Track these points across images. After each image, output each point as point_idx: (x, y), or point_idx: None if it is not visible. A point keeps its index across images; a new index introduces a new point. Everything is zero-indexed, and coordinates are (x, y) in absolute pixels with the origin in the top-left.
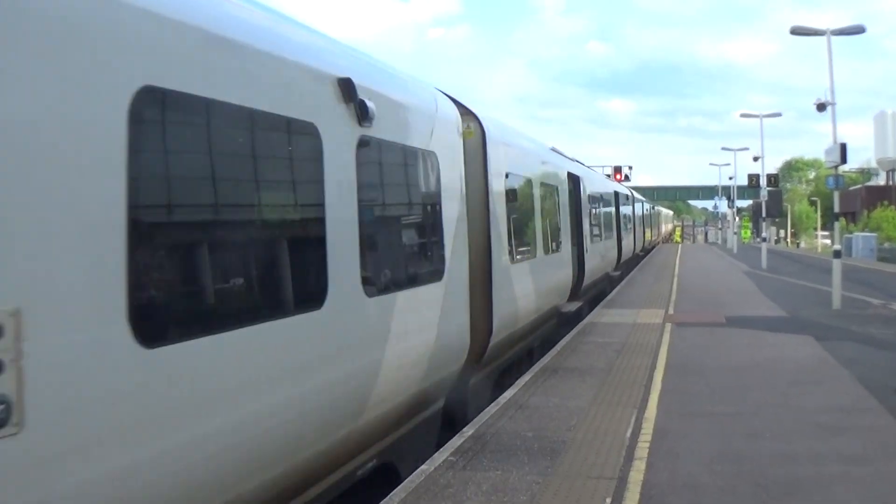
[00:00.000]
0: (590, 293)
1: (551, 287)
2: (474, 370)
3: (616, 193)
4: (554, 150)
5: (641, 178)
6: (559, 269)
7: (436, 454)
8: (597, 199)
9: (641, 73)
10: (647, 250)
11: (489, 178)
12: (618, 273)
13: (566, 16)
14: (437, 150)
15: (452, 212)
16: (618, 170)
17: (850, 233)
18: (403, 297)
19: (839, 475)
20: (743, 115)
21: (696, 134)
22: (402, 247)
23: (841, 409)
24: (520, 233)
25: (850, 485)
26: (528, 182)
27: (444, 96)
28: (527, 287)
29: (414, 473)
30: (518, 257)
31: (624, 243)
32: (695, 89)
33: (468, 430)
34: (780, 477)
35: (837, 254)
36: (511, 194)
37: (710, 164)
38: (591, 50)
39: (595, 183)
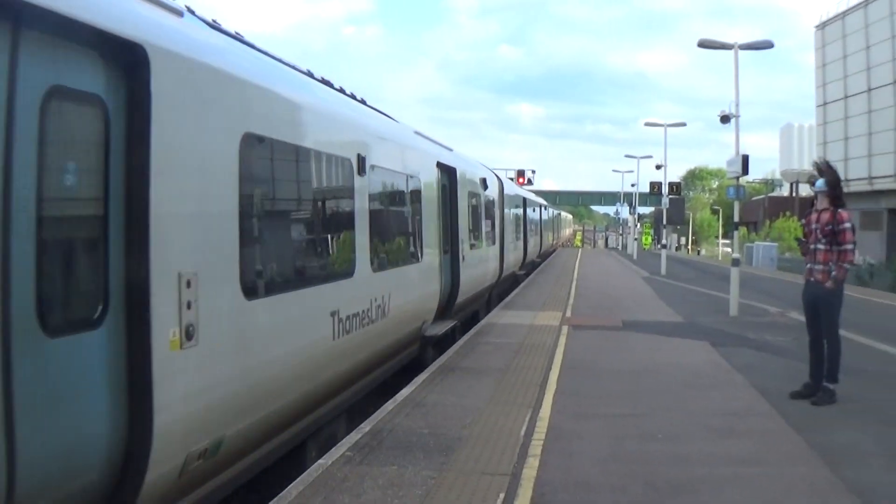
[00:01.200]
0: (470, 309)
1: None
2: None
3: (500, 183)
4: (419, 133)
5: (546, 183)
6: (418, 284)
7: (332, 449)
8: (479, 197)
9: (551, 79)
10: (544, 255)
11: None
12: (523, 273)
13: (479, 19)
14: None
15: None
16: (521, 173)
17: (752, 242)
18: None
19: (730, 476)
20: (647, 124)
21: (603, 141)
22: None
23: (734, 412)
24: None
25: (740, 485)
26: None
27: None
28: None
29: (311, 467)
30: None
31: (513, 252)
32: (603, 97)
33: (365, 426)
34: (672, 477)
35: (736, 262)
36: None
37: (614, 170)
38: (501, 54)
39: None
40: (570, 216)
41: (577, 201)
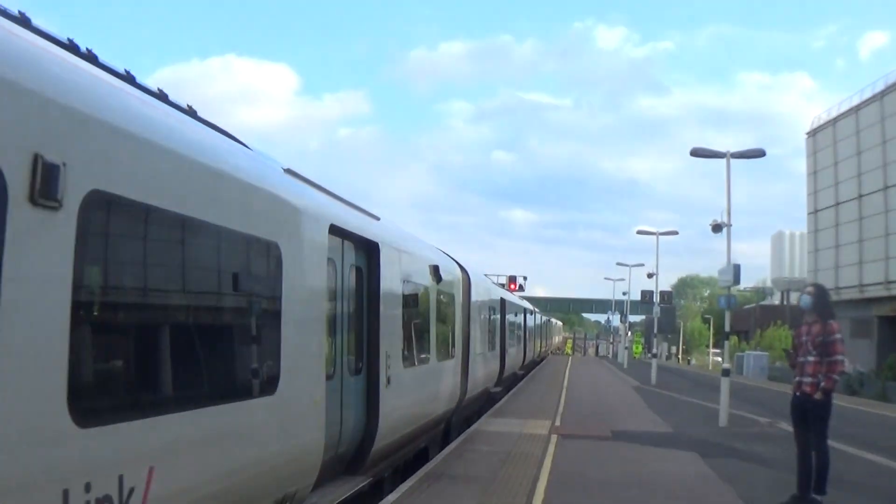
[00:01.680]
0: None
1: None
2: None
3: (467, 276)
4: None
5: (537, 289)
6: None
7: None
8: (426, 292)
9: (544, 185)
10: (535, 362)
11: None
12: (499, 389)
13: (473, 123)
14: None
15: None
16: (513, 279)
17: (743, 351)
18: None
19: None
20: (640, 233)
21: (595, 248)
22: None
23: None
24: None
25: None
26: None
27: None
28: None
29: None
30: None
31: (483, 365)
32: (596, 203)
33: None
34: None
35: (726, 372)
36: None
37: (606, 278)
38: (495, 158)
39: (511, 301)
40: (559, 323)
41: (569, 308)
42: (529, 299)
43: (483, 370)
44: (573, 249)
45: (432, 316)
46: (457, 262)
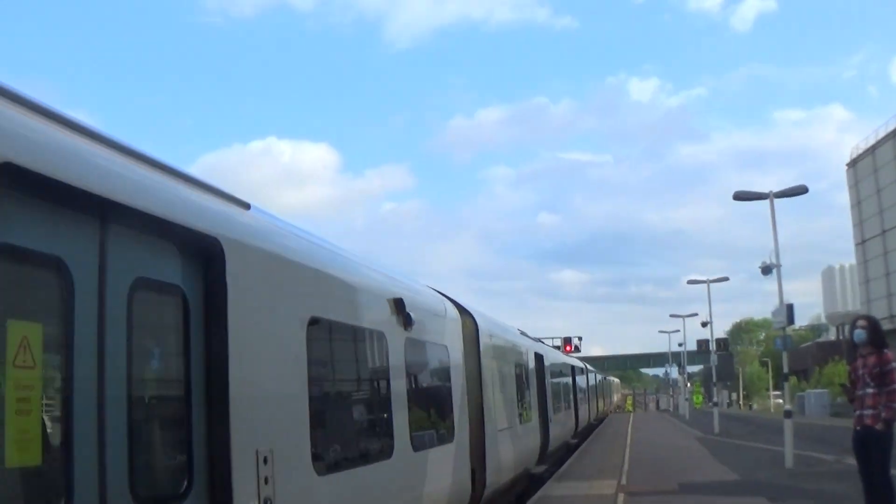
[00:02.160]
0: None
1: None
2: None
3: (572, 367)
4: (522, 333)
5: (593, 349)
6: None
7: None
8: (556, 373)
9: (591, 243)
10: (593, 425)
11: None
12: (543, 468)
13: (515, 188)
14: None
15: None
16: (567, 341)
17: (803, 391)
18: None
19: None
20: (690, 282)
21: (647, 301)
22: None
23: None
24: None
25: None
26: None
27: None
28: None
29: None
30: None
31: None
32: (644, 257)
33: None
34: None
35: (788, 414)
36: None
37: (660, 331)
38: (540, 221)
39: (553, 358)
40: (616, 381)
41: (626, 365)
42: (586, 359)
43: (560, 427)
44: (625, 305)
45: (549, 385)
46: (453, 301)
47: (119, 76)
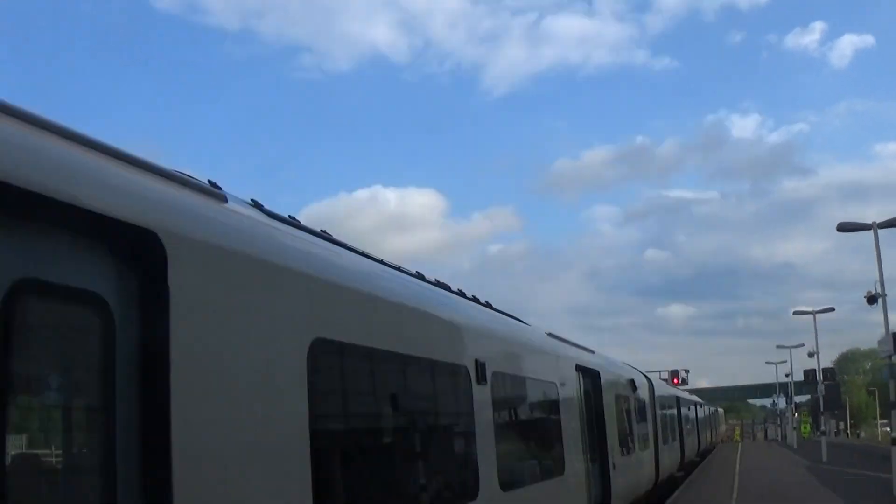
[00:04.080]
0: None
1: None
2: None
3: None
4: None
5: (699, 381)
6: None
7: None
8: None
9: (697, 278)
10: (702, 454)
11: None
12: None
13: (621, 227)
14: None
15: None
16: (675, 374)
17: None
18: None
19: None
20: (796, 313)
21: (753, 334)
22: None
23: None
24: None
25: None
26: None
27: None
28: None
29: None
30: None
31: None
32: (750, 290)
33: None
34: None
35: (895, 441)
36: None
37: (767, 362)
38: (646, 258)
39: (660, 388)
40: (721, 411)
41: (734, 396)
42: (693, 391)
43: (668, 457)
44: (732, 338)
45: (633, 416)
46: (643, 374)
47: (229, 134)
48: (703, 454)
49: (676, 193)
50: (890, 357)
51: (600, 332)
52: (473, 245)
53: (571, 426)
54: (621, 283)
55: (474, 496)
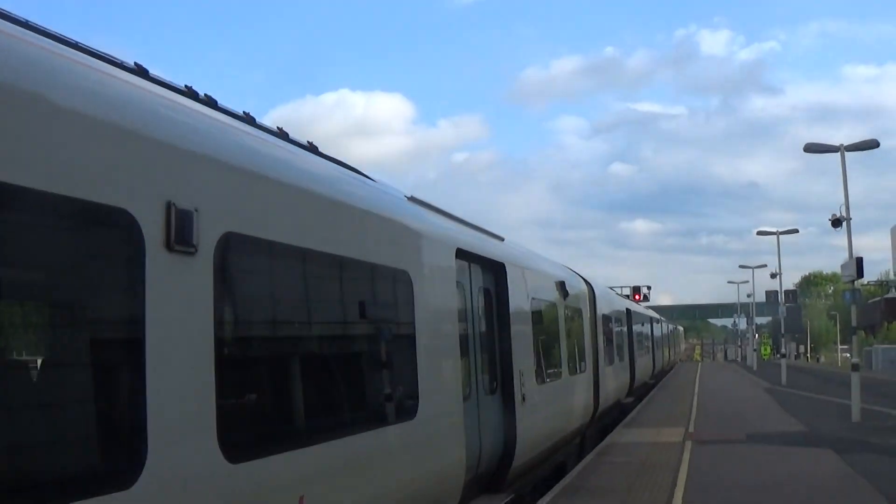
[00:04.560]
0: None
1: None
2: None
3: (651, 318)
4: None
5: (661, 298)
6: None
7: None
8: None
9: (662, 194)
10: (665, 371)
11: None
12: (630, 400)
13: (588, 139)
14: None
15: None
16: (637, 290)
17: (870, 346)
18: None
19: None
20: (760, 233)
21: (717, 252)
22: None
23: None
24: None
25: None
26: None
27: None
28: None
29: None
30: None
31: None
32: (715, 209)
33: None
34: None
35: (855, 367)
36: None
37: (729, 281)
38: (612, 172)
39: (606, 297)
40: (681, 329)
41: (695, 315)
42: (654, 308)
43: (613, 382)
44: (695, 256)
45: (561, 331)
46: (581, 277)
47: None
48: (659, 376)
49: (645, 108)
50: (852, 282)
51: (564, 245)
52: (440, 154)
53: (436, 343)
54: (586, 197)
55: None
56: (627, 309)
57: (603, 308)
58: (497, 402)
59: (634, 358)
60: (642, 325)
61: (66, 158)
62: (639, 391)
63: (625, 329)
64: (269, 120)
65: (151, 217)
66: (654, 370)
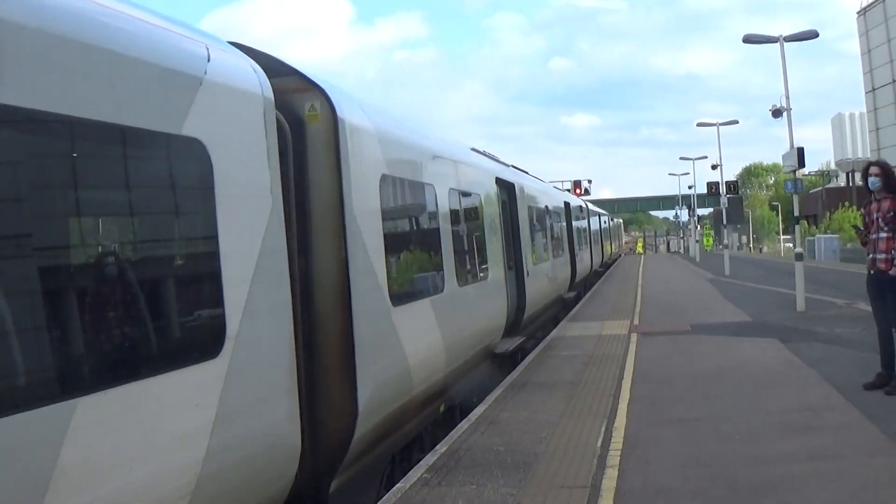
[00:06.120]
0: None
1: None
2: None
3: (567, 205)
4: (476, 150)
5: (603, 192)
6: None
7: (410, 472)
8: (542, 213)
9: (602, 88)
10: (607, 264)
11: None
12: (573, 294)
13: (527, 35)
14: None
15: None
16: (577, 184)
17: (813, 235)
18: None
19: (811, 472)
20: (700, 125)
21: (657, 145)
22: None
23: (809, 408)
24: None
25: (821, 481)
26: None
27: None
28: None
29: (389, 492)
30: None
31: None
32: (654, 101)
33: (441, 447)
34: (752, 478)
35: (799, 256)
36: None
37: (670, 173)
38: (552, 68)
39: (538, 192)
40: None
41: (636, 208)
42: (596, 202)
43: (580, 264)
44: (635, 149)
45: (547, 228)
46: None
47: None
48: (604, 266)
49: (584, 2)
50: (794, 172)
51: (504, 141)
52: (379, 52)
53: (493, 235)
54: (526, 93)
55: (441, 290)
56: (566, 202)
57: (527, 202)
58: (513, 275)
59: (575, 252)
60: (580, 218)
61: None
62: (580, 286)
63: (563, 224)
64: (206, 26)
65: None
66: (592, 265)
